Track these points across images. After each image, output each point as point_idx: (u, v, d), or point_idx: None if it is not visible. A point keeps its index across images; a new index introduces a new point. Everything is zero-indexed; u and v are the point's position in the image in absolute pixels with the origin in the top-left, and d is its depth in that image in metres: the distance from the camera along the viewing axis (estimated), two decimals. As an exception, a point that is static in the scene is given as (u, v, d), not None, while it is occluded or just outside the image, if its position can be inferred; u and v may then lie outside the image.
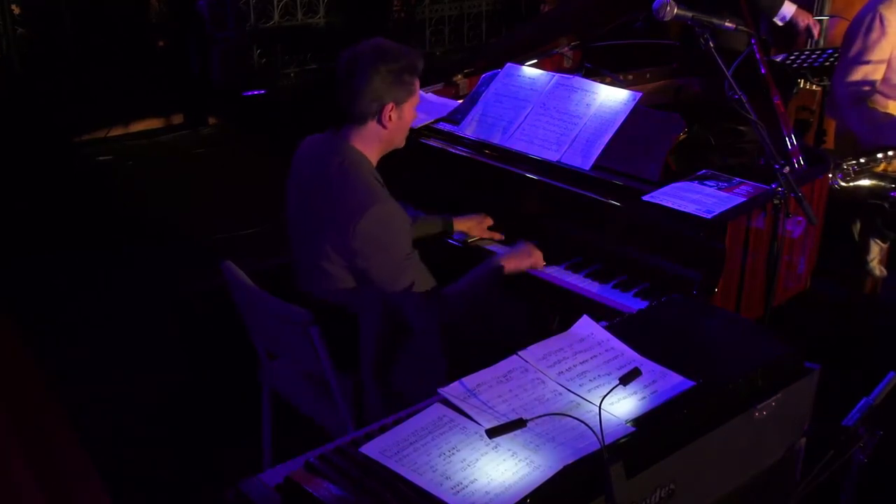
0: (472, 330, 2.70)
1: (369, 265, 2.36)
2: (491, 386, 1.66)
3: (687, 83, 3.74)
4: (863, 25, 3.94)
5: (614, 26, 3.63)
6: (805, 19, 4.70)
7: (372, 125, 2.42)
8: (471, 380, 1.67)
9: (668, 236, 2.54)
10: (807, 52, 4.58)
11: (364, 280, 2.39)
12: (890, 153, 3.46)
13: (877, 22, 3.89)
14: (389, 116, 2.41)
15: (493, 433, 1.47)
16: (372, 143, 2.45)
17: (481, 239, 2.88)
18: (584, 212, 2.72)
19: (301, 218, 2.52)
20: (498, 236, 2.88)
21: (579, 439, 1.51)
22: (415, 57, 2.42)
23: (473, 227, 2.89)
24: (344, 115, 2.44)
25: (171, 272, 4.46)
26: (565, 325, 1.89)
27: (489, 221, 2.91)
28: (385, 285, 2.38)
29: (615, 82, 3.37)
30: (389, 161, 2.54)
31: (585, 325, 1.86)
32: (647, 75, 3.73)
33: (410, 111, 2.47)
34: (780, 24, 4.68)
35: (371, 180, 2.40)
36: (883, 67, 3.94)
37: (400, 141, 2.52)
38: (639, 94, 2.82)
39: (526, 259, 2.66)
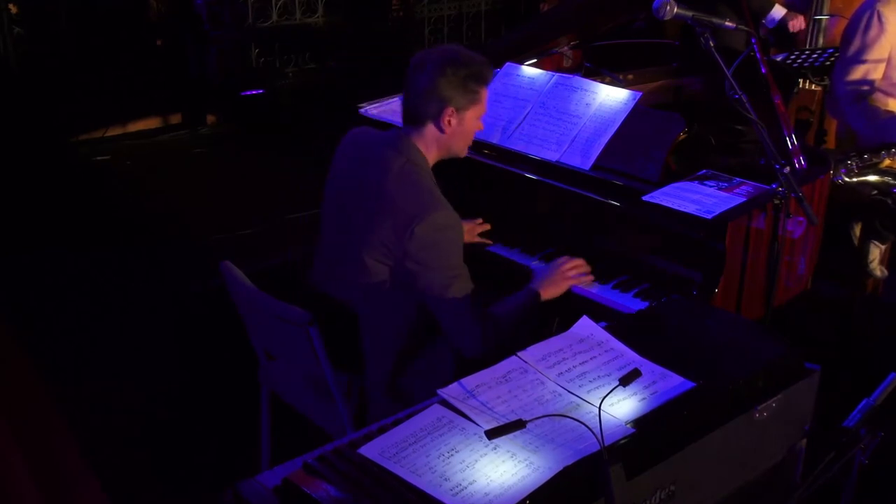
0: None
1: (419, 270, 2.30)
2: (490, 387, 1.66)
3: (687, 83, 3.73)
4: (861, 23, 3.93)
5: (614, 26, 3.62)
6: (796, 21, 4.66)
7: (430, 128, 2.38)
8: (470, 381, 1.67)
9: (668, 236, 2.53)
10: (807, 52, 4.56)
11: (406, 283, 2.34)
12: (893, 150, 3.45)
13: (875, 20, 3.88)
14: (449, 121, 2.36)
15: (492, 434, 1.47)
16: (430, 145, 2.40)
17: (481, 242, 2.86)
18: (584, 212, 2.71)
19: (345, 210, 2.46)
20: (488, 241, 2.86)
21: (579, 440, 1.50)
22: (484, 66, 2.37)
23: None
24: (406, 115, 2.41)
25: (170, 272, 4.45)
26: (565, 325, 1.88)
27: (480, 228, 2.88)
28: (430, 293, 2.31)
29: (615, 82, 3.36)
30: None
31: (585, 326, 1.86)
32: (648, 75, 3.72)
33: (473, 120, 2.42)
34: (769, 27, 4.63)
35: (433, 185, 2.36)
36: (882, 65, 3.93)
37: (460, 149, 2.46)
38: (639, 94, 2.81)
39: (563, 283, 2.54)
